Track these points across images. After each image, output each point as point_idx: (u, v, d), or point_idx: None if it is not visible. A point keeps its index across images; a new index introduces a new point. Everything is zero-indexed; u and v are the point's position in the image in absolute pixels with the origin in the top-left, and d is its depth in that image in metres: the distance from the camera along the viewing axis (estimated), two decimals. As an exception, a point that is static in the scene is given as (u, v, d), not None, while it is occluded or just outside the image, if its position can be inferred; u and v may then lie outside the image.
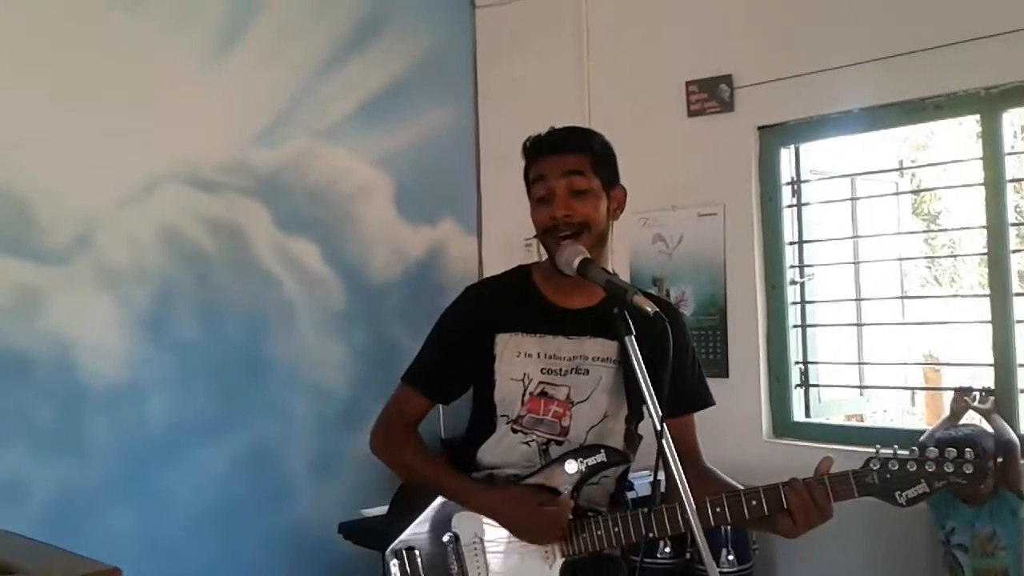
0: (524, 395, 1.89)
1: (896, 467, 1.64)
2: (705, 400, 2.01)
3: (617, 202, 1.92)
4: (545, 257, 1.94)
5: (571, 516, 1.84)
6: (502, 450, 1.91)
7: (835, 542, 3.24)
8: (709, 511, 1.73)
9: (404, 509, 1.96)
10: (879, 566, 3.21)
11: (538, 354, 1.90)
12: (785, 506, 1.70)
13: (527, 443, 1.89)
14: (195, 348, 3.48)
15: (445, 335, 1.99)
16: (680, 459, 1.70)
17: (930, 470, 1.62)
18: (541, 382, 1.89)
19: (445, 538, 1.89)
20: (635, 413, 1.94)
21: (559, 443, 1.89)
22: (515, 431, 1.90)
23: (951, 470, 1.61)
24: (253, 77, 3.67)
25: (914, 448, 1.66)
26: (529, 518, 1.82)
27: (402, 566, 1.90)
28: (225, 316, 3.57)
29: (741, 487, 1.79)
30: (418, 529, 1.92)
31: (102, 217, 3.28)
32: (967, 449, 1.63)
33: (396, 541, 1.92)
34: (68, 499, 3.13)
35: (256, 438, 3.60)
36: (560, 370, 1.90)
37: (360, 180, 3.99)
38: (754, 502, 1.72)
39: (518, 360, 1.89)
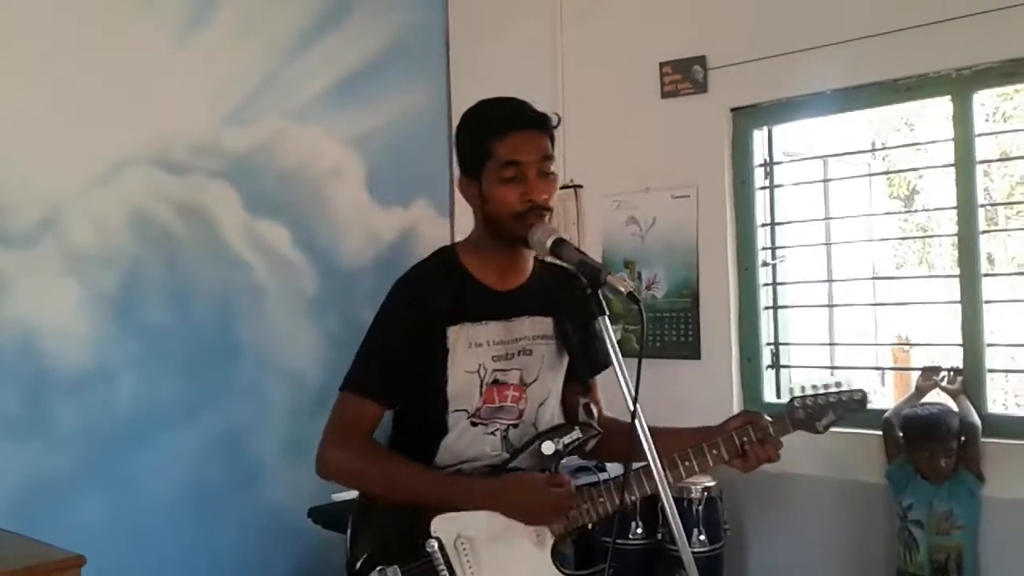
0: (481, 386, 1.87)
1: (812, 402, 1.93)
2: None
3: None
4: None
5: None
6: (466, 444, 1.87)
7: (803, 521, 3.29)
8: (680, 467, 1.84)
9: (368, 528, 1.89)
10: (844, 542, 3.24)
11: (488, 342, 1.88)
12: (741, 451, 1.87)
13: (491, 432, 1.89)
14: (164, 332, 3.43)
15: (392, 335, 1.87)
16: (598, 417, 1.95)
17: (833, 400, 1.93)
18: (494, 370, 1.88)
19: (428, 547, 1.82)
20: (581, 387, 1.97)
21: (515, 426, 1.91)
22: (475, 424, 1.88)
23: (846, 399, 1.93)
24: (223, 56, 3.62)
25: (817, 385, 1.95)
26: (541, 501, 1.81)
27: None
28: (194, 300, 3.52)
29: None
30: (390, 545, 1.84)
31: (68, 199, 3.22)
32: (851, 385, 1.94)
33: (365, 563, 1.84)
34: (35, 486, 3.08)
35: (226, 423, 3.57)
36: (507, 354, 1.89)
37: (331, 162, 3.95)
38: (715, 451, 1.87)
39: (471, 351, 1.86)
